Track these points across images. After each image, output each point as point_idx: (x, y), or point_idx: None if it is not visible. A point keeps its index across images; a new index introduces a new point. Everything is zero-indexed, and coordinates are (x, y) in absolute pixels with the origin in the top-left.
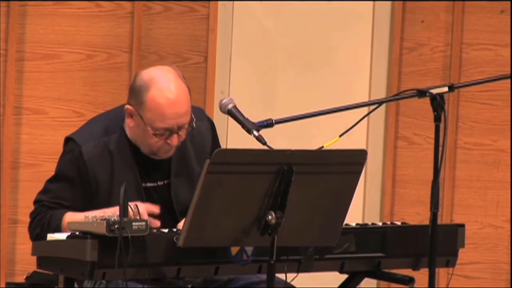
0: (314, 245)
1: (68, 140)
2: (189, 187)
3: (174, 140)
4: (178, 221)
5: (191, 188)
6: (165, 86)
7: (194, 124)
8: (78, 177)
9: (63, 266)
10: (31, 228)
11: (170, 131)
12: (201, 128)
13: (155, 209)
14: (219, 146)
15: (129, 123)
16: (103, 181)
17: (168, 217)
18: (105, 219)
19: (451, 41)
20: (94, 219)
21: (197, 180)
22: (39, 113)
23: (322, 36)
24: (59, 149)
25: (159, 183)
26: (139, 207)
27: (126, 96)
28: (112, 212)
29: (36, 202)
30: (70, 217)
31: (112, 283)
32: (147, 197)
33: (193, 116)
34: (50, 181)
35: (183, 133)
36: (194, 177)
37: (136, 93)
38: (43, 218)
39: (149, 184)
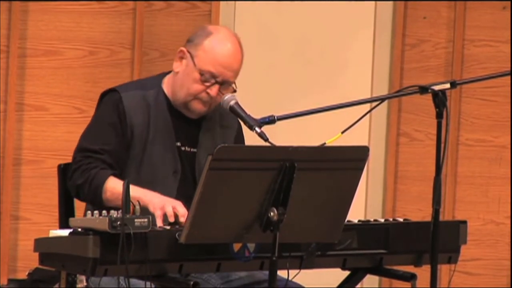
0: (316, 242)
1: (105, 93)
2: None
3: (214, 91)
4: None
5: None
6: (226, 37)
7: (235, 88)
8: (119, 122)
9: (65, 263)
10: (73, 178)
11: (215, 79)
12: (231, 119)
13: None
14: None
15: (175, 67)
16: (138, 132)
17: (191, 185)
18: (106, 216)
19: (453, 37)
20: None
21: None
22: (41, 110)
23: (324, 32)
24: (61, 145)
25: (187, 148)
26: (179, 209)
27: None
28: (151, 197)
29: (78, 151)
30: (113, 182)
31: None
32: (179, 158)
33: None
34: (91, 127)
35: (224, 91)
36: None
37: (195, 37)
38: (88, 171)
39: (180, 146)
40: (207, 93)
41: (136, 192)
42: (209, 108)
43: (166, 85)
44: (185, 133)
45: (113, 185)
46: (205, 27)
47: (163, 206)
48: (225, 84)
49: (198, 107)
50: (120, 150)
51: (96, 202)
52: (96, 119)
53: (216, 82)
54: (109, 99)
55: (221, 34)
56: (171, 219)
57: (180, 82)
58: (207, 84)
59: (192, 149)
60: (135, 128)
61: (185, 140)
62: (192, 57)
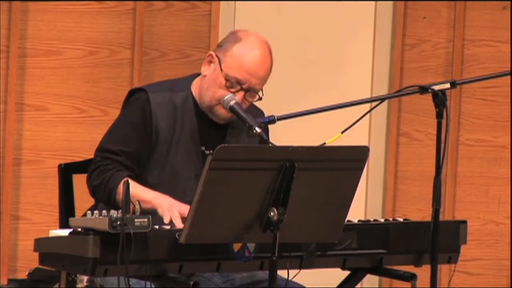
0: (316, 242)
1: (133, 91)
2: None
3: (240, 97)
4: None
5: None
6: (255, 44)
7: (262, 96)
8: (143, 123)
9: (65, 263)
10: (91, 178)
11: (240, 86)
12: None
13: None
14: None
15: (203, 71)
16: (164, 134)
17: None
18: (106, 216)
19: (453, 37)
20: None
21: None
22: (41, 110)
23: (324, 32)
24: (61, 145)
25: (212, 153)
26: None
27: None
28: (162, 200)
29: (98, 150)
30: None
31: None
32: (202, 162)
33: (263, 92)
34: (114, 126)
35: (249, 98)
36: None
37: (224, 42)
38: (105, 172)
39: (205, 150)
40: None
41: (147, 194)
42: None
43: (195, 88)
44: (211, 138)
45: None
46: (236, 32)
47: (171, 210)
48: (251, 91)
49: (222, 112)
50: (140, 152)
51: (111, 203)
52: (120, 118)
53: (242, 89)
54: (136, 99)
55: (251, 41)
56: (178, 225)
57: (207, 86)
58: (233, 90)
59: None
60: (161, 130)
61: (210, 144)
62: (220, 62)
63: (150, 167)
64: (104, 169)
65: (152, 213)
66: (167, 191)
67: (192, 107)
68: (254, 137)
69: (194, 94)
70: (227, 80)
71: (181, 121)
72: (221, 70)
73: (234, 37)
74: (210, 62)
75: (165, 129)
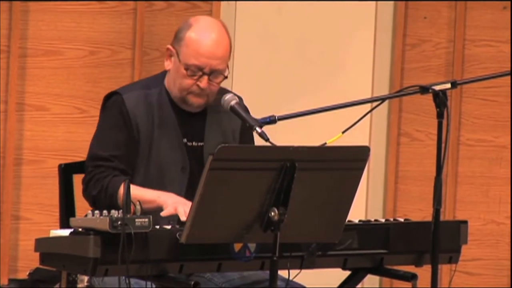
0: (317, 242)
1: (109, 96)
2: None
3: (204, 82)
4: None
5: None
6: (207, 27)
7: (227, 74)
8: (124, 124)
9: (65, 263)
10: (88, 189)
11: (202, 71)
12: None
13: None
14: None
15: (166, 66)
16: (144, 132)
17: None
18: (107, 216)
19: (453, 37)
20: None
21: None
22: (42, 110)
23: (325, 32)
24: (62, 145)
25: (194, 143)
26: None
27: None
28: (167, 197)
29: (89, 160)
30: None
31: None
32: (187, 153)
33: (227, 69)
34: (98, 134)
35: (215, 80)
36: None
37: (178, 32)
38: (102, 180)
39: (187, 142)
40: (197, 85)
41: (150, 194)
42: (208, 99)
43: (167, 83)
44: (191, 128)
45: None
46: (187, 20)
47: (176, 207)
48: (214, 73)
49: (194, 100)
50: (129, 153)
51: (113, 209)
52: (102, 125)
53: (204, 74)
54: (112, 103)
55: (201, 24)
56: (183, 218)
57: (173, 80)
58: (195, 77)
59: (199, 143)
60: (141, 128)
61: (191, 135)
62: (177, 53)
63: (137, 165)
64: (100, 177)
65: (156, 213)
66: (156, 188)
67: (168, 101)
68: (235, 120)
69: (168, 89)
70: (187, 69)
71: (158, 117)
72: (179, 61)
73: (186, 25)
74: (170, 55)
75: (144, 126)
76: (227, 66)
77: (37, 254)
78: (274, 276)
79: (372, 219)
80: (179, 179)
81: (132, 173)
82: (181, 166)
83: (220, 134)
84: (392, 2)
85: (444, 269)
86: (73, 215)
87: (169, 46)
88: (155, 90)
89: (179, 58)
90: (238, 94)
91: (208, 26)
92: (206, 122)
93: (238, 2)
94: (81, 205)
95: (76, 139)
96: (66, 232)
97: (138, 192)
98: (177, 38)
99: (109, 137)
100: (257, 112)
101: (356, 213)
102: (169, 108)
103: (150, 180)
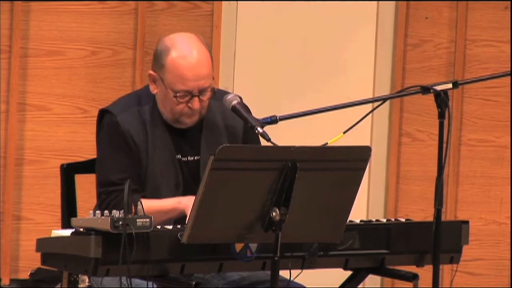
0: (318, 242)
1: (103, 113)
2: None
3: (196, 104)
4: None
5: None
6: (185, 48)
7: (215, 89)
8: (125, 143)
9: (67, 263)
10: None
11: (191, 94)
12: (235, 117)
13: None
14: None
15: (152, 90)
16: (141, 150)
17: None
18: (108, 216)
19: (455, 37)
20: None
21: None
22: (43, 110)
23: (326, 32)
24: (63, 145)
25: (189, 158)
26: None
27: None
28: (187, 201)
29: (99, 186)
30: (145, 204)
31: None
32: (180, 170)
33: (213, 81)
34: (102, 159)
35: (205, 98)
36: None
37: (157, 57)
38: (119, 204)
39: (181, 157)
40: (189, 107)
41: (169, 202)
42: (201, 115)
43: (158, 104)
44: (185, 144)
45: (145, 207)
46: (163, 41)
47: None
48: (203, 91)
49: (188, 120)
50: (136, 172)
51: None
52: (103, 149)
53: (193, 96)
54: (108, 126)
55: (179, 46)
56: None
57: (162, 103)
58: (186, 100)
59: (195, 157)
60: (138, 146)
61: (186, 150)
62: (161, 79)
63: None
64: (116, 202)
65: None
66: None
67: (159, 118)
68: (235, 130)
69: (158, 105)
70: (175, 96)
71: (152, 134)
72: (166, 88)
73: (163, 48)
74: (154, 81)
75: (141, 144)
76: (213, 78)
77: (39, 254)
78: (275, 276)
79: (374, 219)
80: (173, 195)
81: (143, 190)
82: (174, 182)
83: (218, 146)
84: (393, 2)
85: (446, 269)
86: (75, 215)
87: (151, 72)
88: (147, 106)
89: (164, 84)
90: (239, 94)
91: (186, 46)
92: (202, 135)
93: (239, 2)
94: (83, 205)
95: (78, 139)
96: (67, 232)
97: (156, 203)
98: (158, 64)
99: (114, 161)
100: (258, 112)
101: (358, 213)
102: (162, 125)
103: (145, 197)
